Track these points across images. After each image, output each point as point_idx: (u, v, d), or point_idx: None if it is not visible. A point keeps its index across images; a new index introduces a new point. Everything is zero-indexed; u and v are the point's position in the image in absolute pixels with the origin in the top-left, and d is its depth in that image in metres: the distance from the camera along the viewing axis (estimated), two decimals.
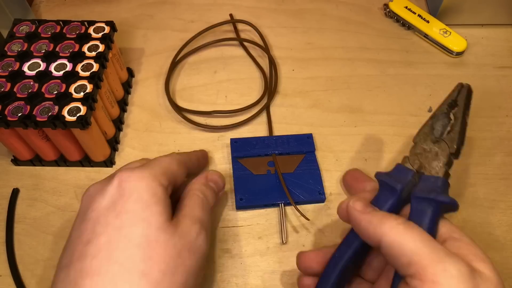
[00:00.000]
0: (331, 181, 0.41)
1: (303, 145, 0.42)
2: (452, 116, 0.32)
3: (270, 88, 0.46)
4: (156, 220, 0.28)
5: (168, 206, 0.30)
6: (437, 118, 0.33)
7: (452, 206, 0.28)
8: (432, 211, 0.28)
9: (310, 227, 0.39)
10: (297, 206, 0.38)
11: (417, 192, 0.29)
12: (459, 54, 0.49)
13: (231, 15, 0.52)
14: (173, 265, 0.27)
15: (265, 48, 0.49)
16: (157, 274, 0.26)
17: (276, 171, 0.40)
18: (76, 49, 0.40)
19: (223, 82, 0.47)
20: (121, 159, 0.42)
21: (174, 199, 0.32)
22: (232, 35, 0.51)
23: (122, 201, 0.28)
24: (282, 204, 0.39)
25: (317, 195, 0.39)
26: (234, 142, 0.41)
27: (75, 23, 0.42)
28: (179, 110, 0.45)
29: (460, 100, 0.33)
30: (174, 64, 0.48)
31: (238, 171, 0.40)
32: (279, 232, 0.38)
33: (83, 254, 0.27)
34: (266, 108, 0.45)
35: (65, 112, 0.36)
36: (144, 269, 0.26)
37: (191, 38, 0.49)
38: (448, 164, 0.30)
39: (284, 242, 0.37)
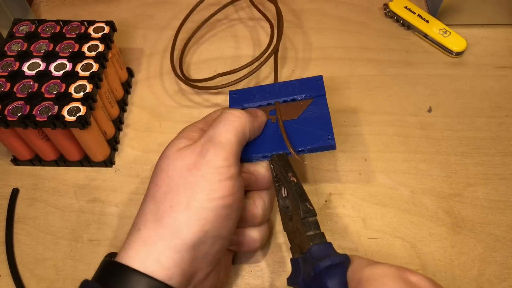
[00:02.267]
0: (331, 181, 0.41)
1: (311, 89, 0.36)
2: (283, 190, 0.32)
3: (279, 31, 0.43)
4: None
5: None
6: (279, 199, 0.32)
7: (342, 259, 0.27)
8: (330, 276, 0.26)
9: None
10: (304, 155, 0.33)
11: (311, 272, 0.27)
12: (459, 54, 0.49)
13: None
14: (174, 186, 0.28)
15: None
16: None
17: (277, 119, 0.35)
18: (76, 49, 0.40)
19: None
20: (121, 159, 0.42)
21: None
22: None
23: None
24: (285, 155, 0.34)
25: (326, 140, 0.33)
26: (233, 95, 0.37)
27: (75, 23, 0.42)
28: (186, 79, 0.45)
29: (278, 171, 0.32)
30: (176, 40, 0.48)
31: None
32: (278, 231, 0.38)
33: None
34: (275, 52, 0.41)
35: (64, 112, 0.36)
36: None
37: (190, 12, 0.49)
38: (309, 226, 0.29)
39: None
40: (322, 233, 0.29)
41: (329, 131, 0.34)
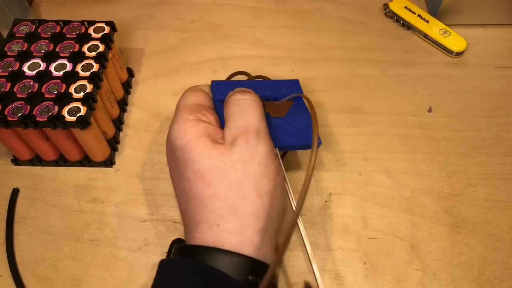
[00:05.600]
0: (331, 181, 0.41)
1: (290, 91, 0.38)
2: None
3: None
4: (202, 154, 0.30)
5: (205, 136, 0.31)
6: None
7: None
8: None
9: (310, 227, 0.39)
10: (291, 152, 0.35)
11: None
12: (459, 54, 0.49)
13: None
14: (234, 180, 0.29)
15: None
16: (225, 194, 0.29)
17: (267, 115, 0.35)
18: (76, 49, 0.40)
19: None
20: (121, 159, 0.42)
21: None
22: None
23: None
24: (277, 149, 0.35)
25: (311, 139, 0.34)
26: (217, 85, 0.36)
27: (75, 23, 0.42)
28: None
29: None
30: None
31: (223, 117, 0.34)
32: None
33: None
34: None
35: (65, 112, 0.36)
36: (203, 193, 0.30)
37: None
38: None
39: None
40: None
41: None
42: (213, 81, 0.37)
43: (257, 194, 0.29)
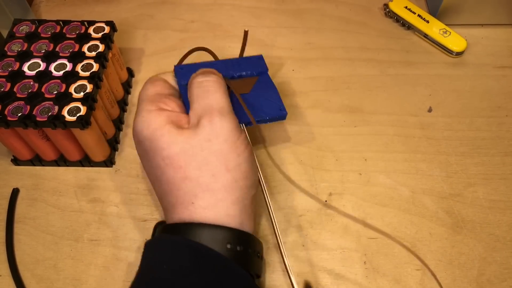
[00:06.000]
0: (331, 181, 0.41)
1: (255, 67, 0.39)
2: None
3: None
4: (167, 141, 0.31)
5: (167, 121, 0.32)
6: None
7: None
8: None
9: (310, 226, 0.39)
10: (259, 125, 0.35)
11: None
12: (459, 54, 0.49)
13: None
14: (202, 159, 0.30)
15: None
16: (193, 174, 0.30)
17: (231, 93, 0.36)
18: (76, 49, 0.40)
19: None
20: (121, 159, 0.42)
21: None
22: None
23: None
24: (243, 125, 0.35)
25: (278, 111, 0.37)
26: (180, 69, 0.36)
27: (75, 23, 0.42)
28: None
29: None
30: None
31: (188, 101, 0.34)
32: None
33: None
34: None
35: (65, 112, 0.36)
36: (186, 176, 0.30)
37: None
38: None
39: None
40: None
41: (280, 103, 0.38)
42: (175, 66, 0.37)
43: (226, 169, 0.31)
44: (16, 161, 0.42)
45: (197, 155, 0.30)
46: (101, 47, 0.40)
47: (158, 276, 0.28)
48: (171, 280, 0.28)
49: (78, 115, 0.36)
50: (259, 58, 0.40)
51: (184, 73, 0.36)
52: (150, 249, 0.30)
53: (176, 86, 0.36)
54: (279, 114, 0.37)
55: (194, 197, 0.30)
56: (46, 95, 0.37)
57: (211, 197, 0.30)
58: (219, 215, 0.30)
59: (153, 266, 0.29)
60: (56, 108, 0.36)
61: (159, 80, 0.36)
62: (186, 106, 0.34)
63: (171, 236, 0.30)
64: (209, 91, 0.33)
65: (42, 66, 0.39)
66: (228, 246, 0.29)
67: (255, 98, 0.37)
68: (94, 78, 0.38)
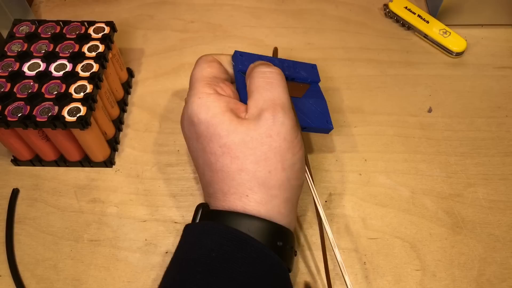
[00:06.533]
0: (331, 181, 0.41)
1: (309, 74, 0.39)
2: None
3: None
4: (223, 128, 0.30)
5: (225, 110, 0.31)
6: None
7: None
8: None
9: (310, 227, 0.39)
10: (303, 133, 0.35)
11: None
12: (459, 54, 0.49)
13: None
14: (261, 154, 0.30)
15: None
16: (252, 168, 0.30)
17: None
18: (76, 49, 0.40)
19: None
20: (121, 160, 0.42)
21: None
22: None
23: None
24: None
25: (325, 123, 0.37)
26: (240, 56, 0.36)
27: (75, 23, 0.42)
28: None
29: None
30: None
31: (243, 89, 0.34)
32: None
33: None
34: None
35: (65, 112, 0.36)
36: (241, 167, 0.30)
37: None
38: None
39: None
40: None
41: (328, 116, 0.38)
42: (236, 51, 0.36)
43: (282, 168, 0.31)
44: (16, 161, 0.42)
45: (256, 149, 0.30)
46: (101, 48, 0.40)
47: (204, 261, 0.28)
48: (221, 268, 0.27)
49: (78, 115, 0.36)
50: (313, 67, 0.40)
51: (243, 60, 0.36)
52: (195, 234, 0.30)
53: (230, 71, 0.36)
54: (325, 126, 0.37)
55: (249, 190, 0.30)
56: (46, 96, 0.37)
57: (265, 193, 0.30)
58: (272, 212, 0.30)
59: (197, 250, 0.28)
60: (56, 108, 0.36)
61: (215, 61, 0.35)
62: (240, 93, 0.34)
63: (223, 226, 0.29)
64: (273, 84, 0.32)
65: (42, 66, 0.39)
66: (279, 243, 0.30)
67: (305, 105, 0.37)
68: (94, 79, 0.38)
